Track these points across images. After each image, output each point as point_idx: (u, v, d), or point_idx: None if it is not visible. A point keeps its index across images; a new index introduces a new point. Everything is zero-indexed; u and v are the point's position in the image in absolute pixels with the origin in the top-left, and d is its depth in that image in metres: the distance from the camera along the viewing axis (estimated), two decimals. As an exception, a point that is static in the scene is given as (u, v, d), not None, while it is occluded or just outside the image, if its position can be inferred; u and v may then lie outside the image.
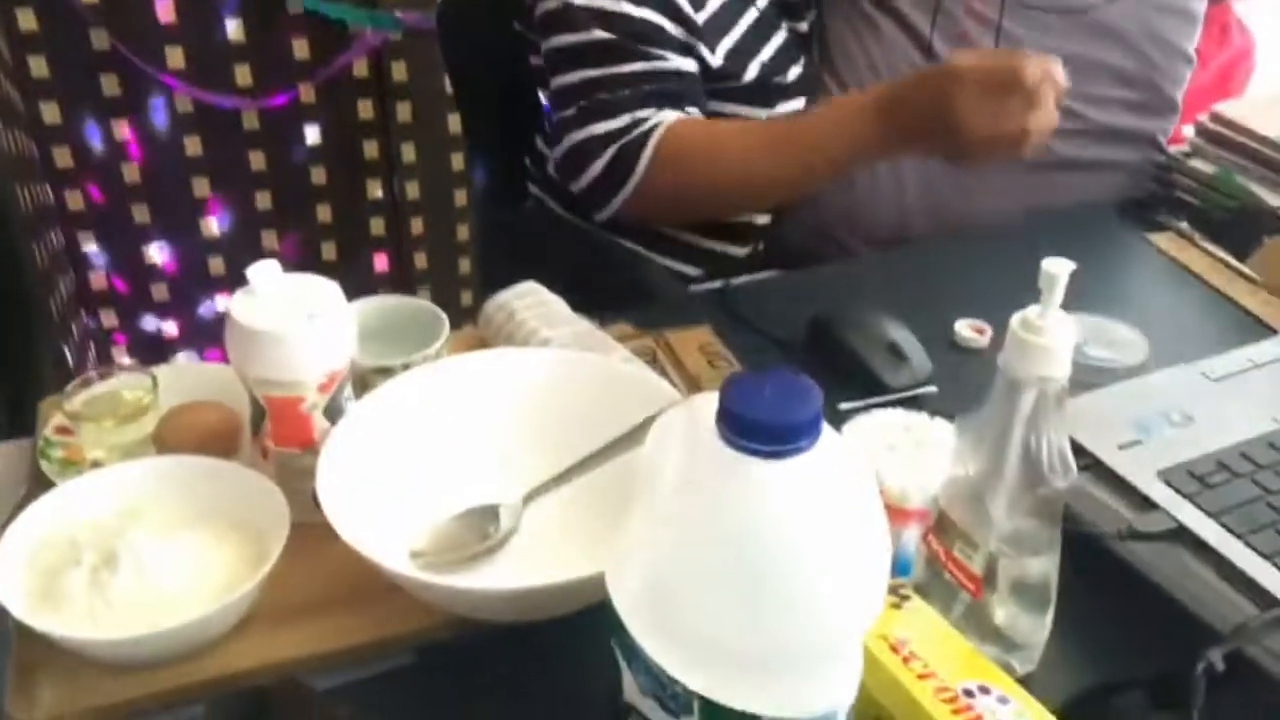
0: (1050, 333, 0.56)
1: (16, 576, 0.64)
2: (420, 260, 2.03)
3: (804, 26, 1.24)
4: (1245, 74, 1.53)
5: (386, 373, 0.77)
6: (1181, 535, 0.66)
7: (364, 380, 0.77)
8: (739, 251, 1.22)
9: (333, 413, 0.71)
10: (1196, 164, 1.13)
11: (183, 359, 1.90)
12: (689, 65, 1.07)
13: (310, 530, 0.65)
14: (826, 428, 0.46)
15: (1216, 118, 1.12)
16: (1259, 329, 0.97)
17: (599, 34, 1.03)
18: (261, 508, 0.68)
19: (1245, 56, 1.54)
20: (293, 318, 0.66)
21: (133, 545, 0.64)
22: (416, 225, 1.99)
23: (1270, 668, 0.62)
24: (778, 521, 0.45)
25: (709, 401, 0.46)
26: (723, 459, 0.45)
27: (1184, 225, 1.10)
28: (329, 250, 1.98)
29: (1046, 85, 0.88)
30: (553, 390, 0.77)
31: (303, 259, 1.93)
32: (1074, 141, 1.16)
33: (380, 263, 2.03)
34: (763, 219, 1.21)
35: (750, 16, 1.14)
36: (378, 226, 1.99)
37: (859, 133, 0.96)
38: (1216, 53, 1.51)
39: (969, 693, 0.58)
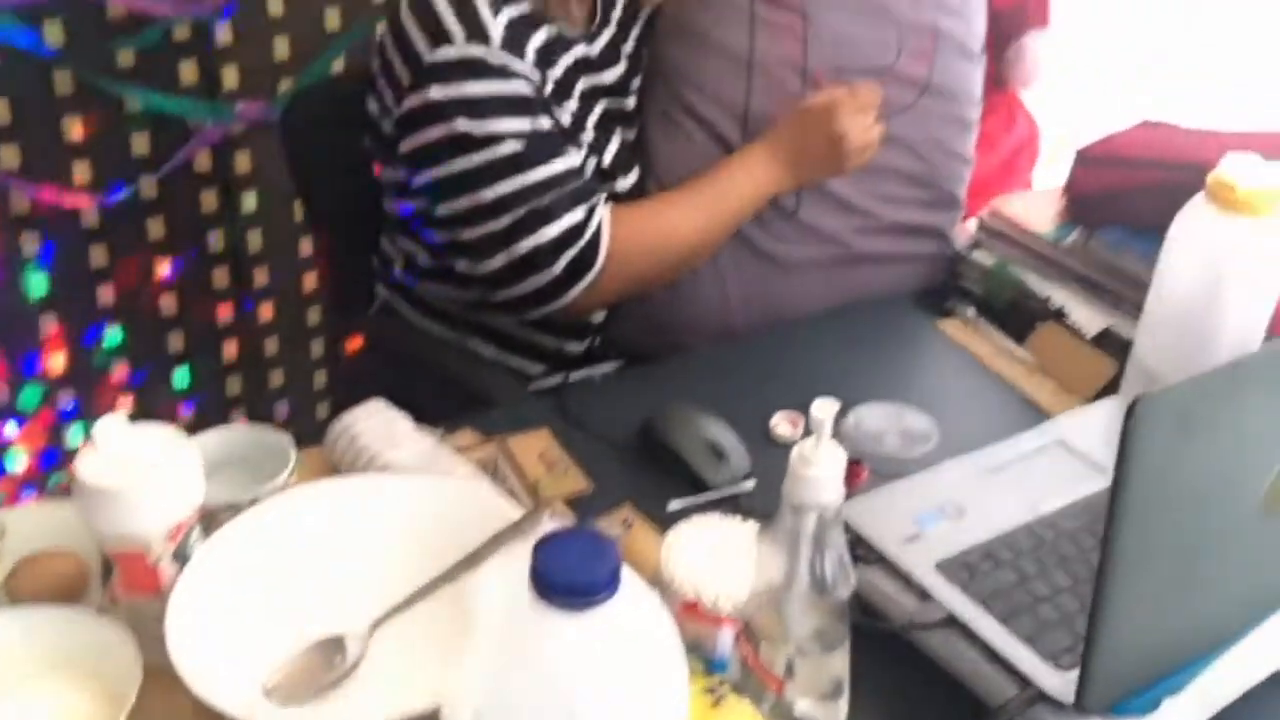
0: (823, 465, 0.65)
1: None
2: (276, 378, 2.06)
3: (634, 133, 1.33)
4: (1030, 158, 1.70)
5: (234, 508, 0.81)
6: (954, 623, 0.75)
7: (213, 516, 0.81)
8: (576, 348, 1.30)
9: (181, 557, 0.74)
10: (979, 255, 1.26)
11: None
12: (580, 158, 1.16)
13: (168, 670, 0.69)
14: (625, 575, 0.53)
15: (994, 213, 1.26)
16: (1035, 412, 1.09)
17: (510, 147, 1.09)
18: (115, 654, 0.71)
19: (1031, 140, 1.71)
20: (136, 475, 0.70)
21: (-13, 704, 0.67)
22: (270, 346, 2.02)
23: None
24: (583, 665, 0.52)
25: (526, 554, 0.53)
26: (535, 612, 0.52)
27: (970, 313, 1.23)
28: (176, 340, 1.97)
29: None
30: (396, 515, 0.82)
31: (149, 354, 1.93)
32: (871, 237, 1.28)
33: (232, 382, 2.04)
34: (598, 317, 1.29)
35: (593, 119, 1.23)
36: (230, 349, 2.01)
37: (766, 175, 1.19)
38: (1004, 136, 1.67)
39: (774, 783, 0.66)
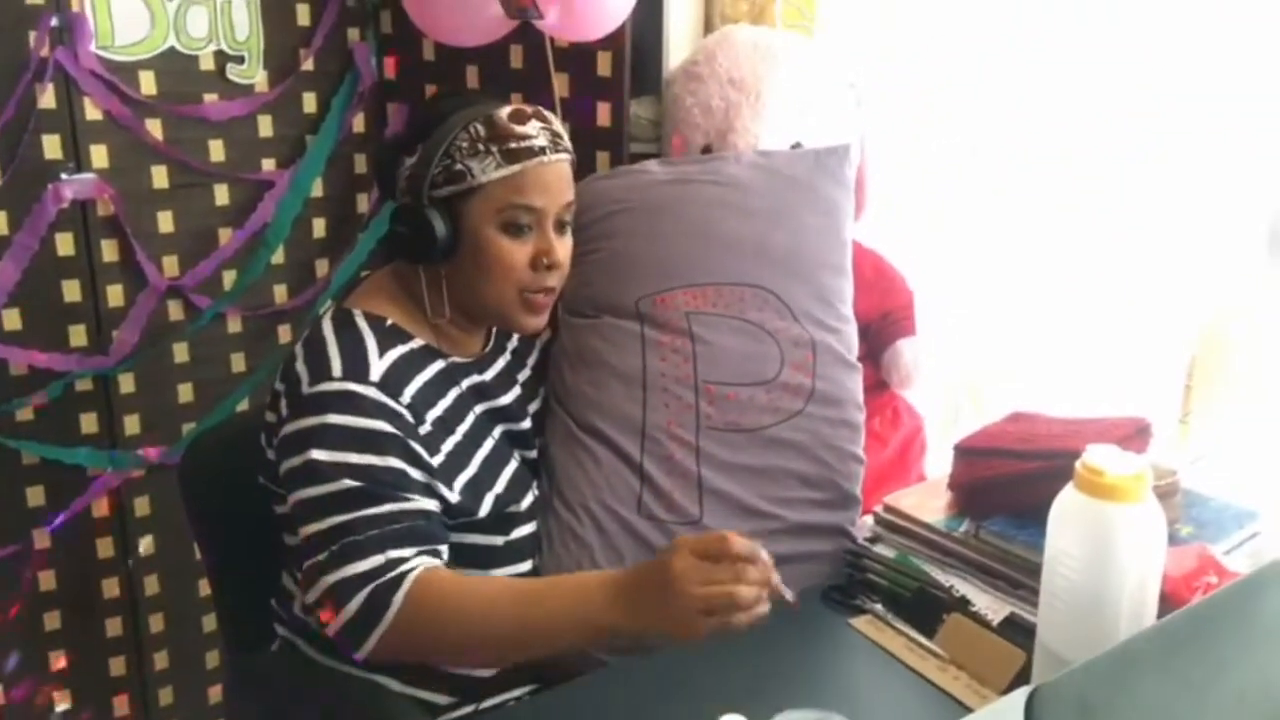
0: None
1: None
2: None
3: (533, 454, 1.36)
4: (920, 449, 1.77)
5: None
6: None
7: None
8: (486, 672, 1.26)
9: None
10: (880, 549, 1.28)
11: None
12: (432, 505, 1.15)
13: None
14: None
15: (889, 508, 1.30)
16: (954, 706, 1.08)
17: (348, 482, 1.10)
18: None
19: (917, 434, 1.79)
20: None
21: None
22: (165, 696, 1.92)
23: None
24: None
25: None
26: None
27: (878, 607, 1.24)
28: (62, 697, 1.85)
29: (758, 563, 0.99)
30: None
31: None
32: (775, 539, 1.30)
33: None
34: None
35: (483, 452, 1.25)
36: (121, 703, 1.91)
37: (593, 605, 1.02)
38: (892, 433, 1.74)
39: None
